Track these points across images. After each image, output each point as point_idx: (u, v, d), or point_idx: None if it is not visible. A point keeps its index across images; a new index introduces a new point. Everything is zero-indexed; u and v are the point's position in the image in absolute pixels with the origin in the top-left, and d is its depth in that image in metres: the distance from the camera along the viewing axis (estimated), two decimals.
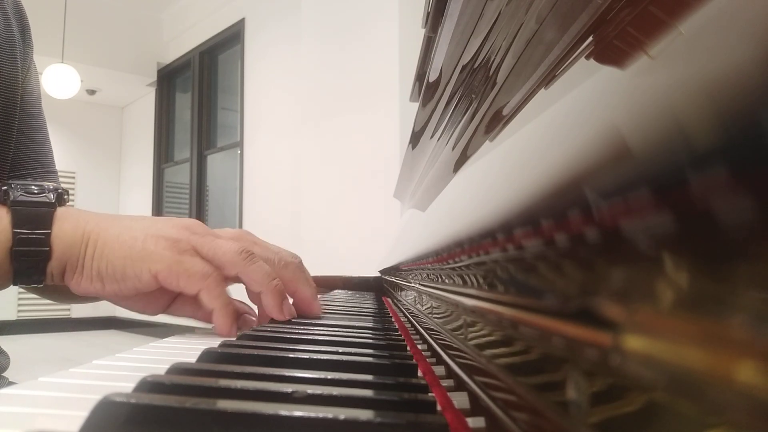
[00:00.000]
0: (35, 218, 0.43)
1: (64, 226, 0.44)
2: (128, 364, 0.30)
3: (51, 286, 0.46)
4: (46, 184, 0.46)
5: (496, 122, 0.30)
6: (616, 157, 0.11)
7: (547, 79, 0.22)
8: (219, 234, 0.48)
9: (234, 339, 0.35)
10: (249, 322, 0.50)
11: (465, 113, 0.44)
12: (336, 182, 2.68)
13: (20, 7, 0.67)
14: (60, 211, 0.44)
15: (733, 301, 0.07)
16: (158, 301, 0.48)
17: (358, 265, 1.49)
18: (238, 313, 0.48)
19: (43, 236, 0.43)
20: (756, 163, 0.06)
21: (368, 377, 0.25)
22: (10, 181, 0.45)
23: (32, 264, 0.42)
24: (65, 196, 0.47)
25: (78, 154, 5.57)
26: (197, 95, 4.71)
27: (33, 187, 0.44)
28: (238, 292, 0.50)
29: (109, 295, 0.45)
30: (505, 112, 0.28)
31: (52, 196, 0.44)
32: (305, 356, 0.28)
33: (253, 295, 0.48)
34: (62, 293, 0.60)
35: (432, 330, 0.35)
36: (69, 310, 5.32)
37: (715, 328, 0.07)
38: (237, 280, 0.46)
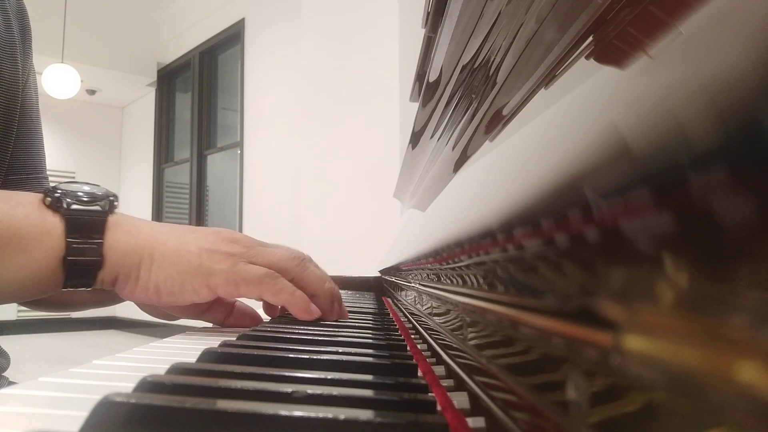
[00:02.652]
0: (88, 227, 0.43)
1: (116, 236, 0.44)
2: (128, 364, 0.30)
3: (50, 299, 0.46)
4: (96, 187, 0.46)
5: (496, 122, 0.30)
6: (615, 157, 0.11)
7: (547, 79, 0.22)
8: (265, 244, 0.49)
9: (234, 339, 0.35)
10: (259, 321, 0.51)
11: (465, 113, 0.44)
12: (336, 182, 2.68)
13: (22, 8, 0.66)
14: (111, 219, 0.44)
15: (733, 301, 0.07)
16: (198, 309, 0.49)
17: (358, 265, 1.49)
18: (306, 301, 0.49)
19: (96, 245, 0.43)
20: (756, 163, 0.06)
21: (368, 377, 0.25)
22: (58, 187, 0.44)
23: (84, 272, 0.43)
24: (115, 203, 0.46)
25: (78, 154, 5.58)
26: (197, 95, 4.71)
27: (81, 194, 0.44)
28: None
29: (162, 305, 0.47)
30: (505, 112, 0.28)
31: (103, 204, 0.44)
32: (305, 356, 0.28)
33: (268, 308, 0.51)
34: (61, 304, 0.60)
35: (432, 330, 0.35)
36: None
37: (715, 328, 0.07)
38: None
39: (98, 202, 0.44)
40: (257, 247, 0.47)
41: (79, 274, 0.43)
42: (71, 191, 0.44)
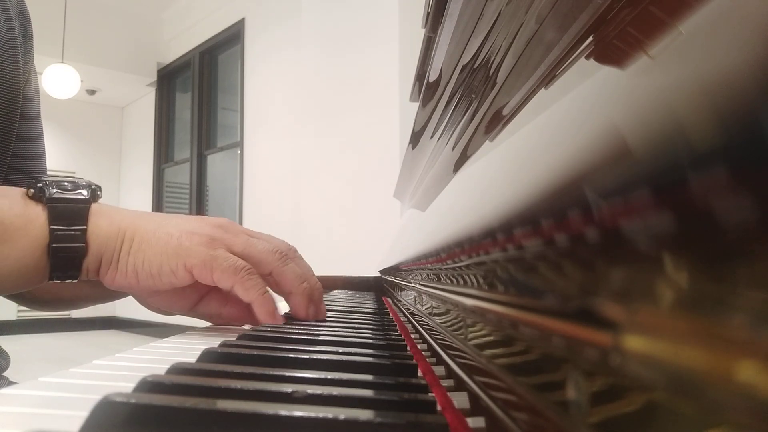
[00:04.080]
0: (71, 214, 0.43)
1: (99, 222, 0.44)
2: (128, 364, 0.30)
3: (48, 298, 0.46)
4: (78, 179, 0.46)
5: (496, 122, 0.30)
6: (615, 157, 0.11)
7: (547, 79, 0.22)
8: (253, 234, 0.49)
9: (234, 339, 0.35)
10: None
11: (465, 113, 0.44)
12: (336, 182, 2.68)
13: (24, 8, 0.66)
14: (94, 207, 0.45)
15: (733, 301, 0.07)
16: (188, 299, 0.49)
17: (358, 265, 1.49)
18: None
19: (79, 232, 0.43)
20: (756, 163, 0.06)
21: (368, 377, 0.25)
22: (41, 179, 0.45)
23: (69, 260, 0.43)
24: (98, 192, 0.47)
25: (78, 154, 5.58)
26: (197, 95, 4.71)
27: (66, 183, 0.45)
28: None
29: (143, 290, 0.46)
30: (505, 112, 0.28)
31: (86, 193, 0.45)
32: (305, 356, 0.28)
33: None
34: (57, 301, 0.60)
35: (432, 330, 0.35)
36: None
37: (715, 328, 0.07)
38: (268, 280, 0.47)
39: (80, 190, 0.45)
40: (242, 235, 0.47)
41: (64, 262, 0.43)
42: (55, 181, 0.45)
